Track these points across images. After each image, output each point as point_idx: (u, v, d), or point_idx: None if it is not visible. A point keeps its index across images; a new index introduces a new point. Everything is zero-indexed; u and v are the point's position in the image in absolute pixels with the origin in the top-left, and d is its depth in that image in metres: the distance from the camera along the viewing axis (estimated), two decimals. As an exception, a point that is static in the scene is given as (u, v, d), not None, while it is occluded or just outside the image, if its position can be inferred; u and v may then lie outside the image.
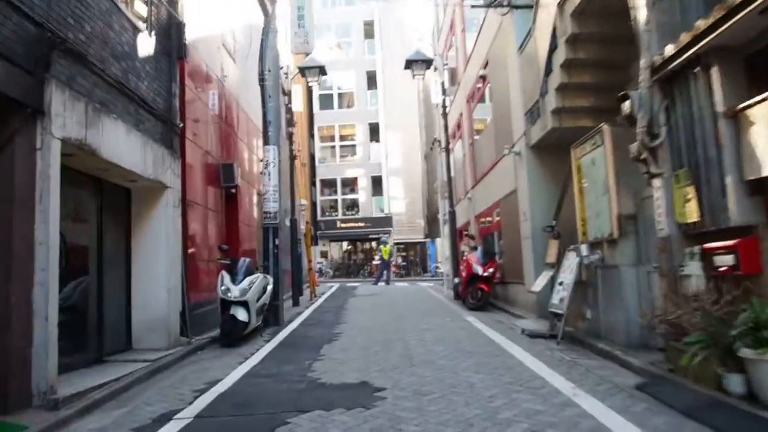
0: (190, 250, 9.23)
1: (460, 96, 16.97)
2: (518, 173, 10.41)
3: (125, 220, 8.00)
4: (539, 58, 8.86)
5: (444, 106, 15.26)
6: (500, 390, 4.93)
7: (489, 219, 13.84)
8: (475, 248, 12.36)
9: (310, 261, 16.37)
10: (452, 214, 14.38)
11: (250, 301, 8.67)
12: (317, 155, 38.40)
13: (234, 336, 8.41)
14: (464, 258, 13.01)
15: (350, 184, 38.51)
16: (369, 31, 39.06)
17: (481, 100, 14.42)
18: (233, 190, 11.97)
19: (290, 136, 15.02)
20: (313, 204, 37.67)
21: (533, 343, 7.31)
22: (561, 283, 7.44)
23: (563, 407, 4.34)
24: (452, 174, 15.44)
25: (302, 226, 33.04)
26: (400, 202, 39.31)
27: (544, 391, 4.85)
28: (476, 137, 15.11)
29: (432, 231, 40.68)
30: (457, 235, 14.74)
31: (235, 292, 8.53)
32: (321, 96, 39.10)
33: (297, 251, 16.70)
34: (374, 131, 38.29)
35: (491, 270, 11.60)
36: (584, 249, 6.97)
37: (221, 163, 11.16)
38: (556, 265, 8.05)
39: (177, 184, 8.48)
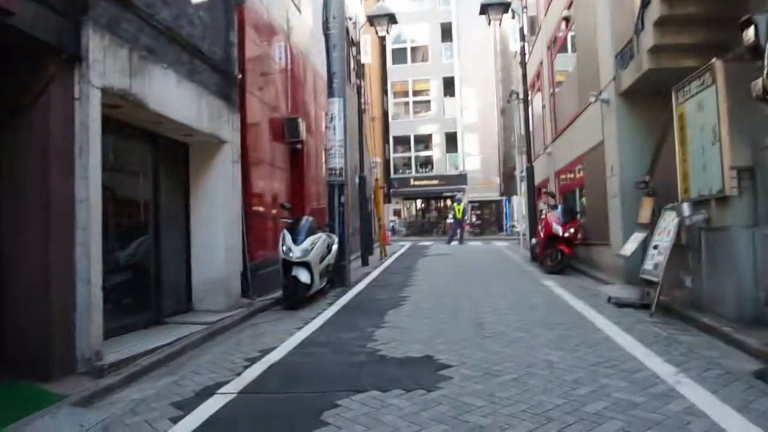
0: (253, 208, 8.90)
1: (540, 43, 15.71)
2: (606, 123, 9.35)
3: (183, 177, 7.69)
4: (634, -11, 7.74)
5: (523, 54, 14.12)
6: (585, 373, 4.22)
7: (571, 175, 12.79)
8: (555, 206, 11.42)
9: (380, 219, 15.89)
10: (530, 170, 13.41)
11: (313, 262, 8.25)
12: (390, 111, 37.65)
13: (296, 298, 8.05)
14: (543, 217, 12.11)
15: (424, 140, 37.65)
16: (444, -20, 37.40)
17: (563, 47, 13.21)
18: (299, 146, 11.53)
19: (359, 89, 14.37)
20: (387, 161, 37.13)
21: (622, 314, 6.49)
22: (656, 247, 6.52)
23: (665, 399, 3.59)
24: (530, 128, 14.37)
25: (373, 184, 32.76)
26: (475, 159, 38.15)
27: (639, 376, 4.10)
28: (557, 88, 13.92)
29: (508, 189, 39.33)
30: (535, 193, 13.79)
31: (296, 252, 8.12)
32: (394, 50, 38.08)
33: (366, 209, 16.24)
34: (449, 86, 37.06)
35: (572, 230, 10.68)
36: (686, 208, 6.00)
37: (285, 117, 10.72)
38: (650, 227, 7.10)
39: (236, 139, 8.07)
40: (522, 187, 17.68)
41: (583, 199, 12.18)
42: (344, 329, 6.33)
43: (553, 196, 12.01)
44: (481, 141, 38.38)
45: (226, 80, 7.95)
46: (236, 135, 8.09)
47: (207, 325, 6.58)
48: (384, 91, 37.65)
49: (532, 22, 16.73)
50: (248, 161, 8.75)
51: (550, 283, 9.37)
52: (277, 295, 8.56)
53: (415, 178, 36.87)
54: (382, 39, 37.87)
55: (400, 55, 38.09)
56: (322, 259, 8.85)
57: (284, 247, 8.22)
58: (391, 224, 35.73)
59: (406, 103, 38.00)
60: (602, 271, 9.85)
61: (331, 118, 10.39)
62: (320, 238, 8.61)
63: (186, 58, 6.83)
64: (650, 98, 8.16)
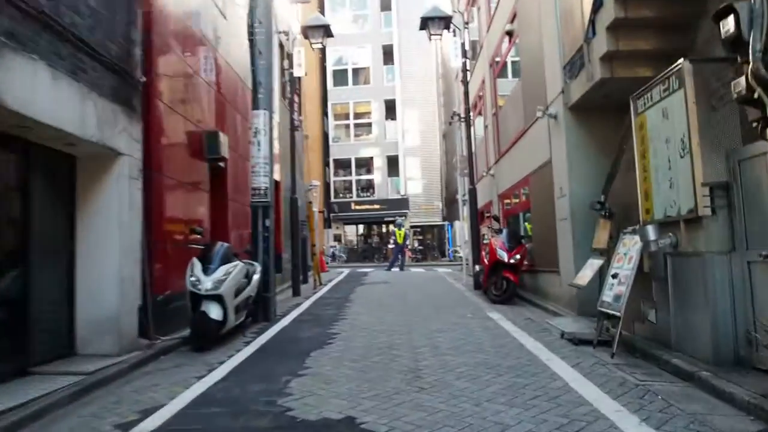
0: (161, 232, 7.70)
1: (483, 61, 15.17)
2: (554, 140, 8.67)
3: (68, 196, 6.45)
4: (583, -6, 7.11)
5: (464, 71, 13.48)
6: (548, 442, 3.29)
7: (515, 198, 12.11)
8: (499, 231, 10.66)
9: (314, 245, 14.81)
10: (472, 193, 12.67)
11: (226, 295, 7.09)
12: (331, 134, 36.81)
13: (205, 339, 6.87)
14: (486, 242, 11.34)
15: (365, 164, 36.83)
16: (385, 3, 37.05)
17: (505, 66, 12.65)
18: (221, 165, 10.39)
19: (291, 103, 13.36)
20: (327, 185, 36.14)
21: (579, 354, 5.64)
22: (615, 276, 5.73)
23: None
24: (473, 150, 13.68)
25: (315, 207, 31.59)
26: (417, 183, 37.59)
27: (616, 448, 3.20)
28: (500, 107, 13.31)
29: (450, 214, 38.93)
30: (477, 217, 13.03)
31: (206, 284, 6.96)
32: (335, 72, 37.41)
33: (299, 235, 15.13)
34: (390, 109, 36.50)
35: (518, 256, 9.91)
36: (651, 231, 5.22)
37: (204, 132, 9.58)
38: (607, 252, 6.34)
39: (136, 152, 6.89)
40: (464, 211, 16.98)
41: (527, 223, 11.51)
42: (254, 379, 5.21)
43: (497, 219, 11.27)
44: (423, 165, 37.90)
45: (126, 83, 6.78)
46: (136, 147, 6.91)
47: (84, 375, 5.34)
48: (324, 113, 36.80)
49: (474, 45, 16.24)
50: (155, 178, 7.57)
51: (496, 315, 8.52)
52: (187, 333, 7.35)
53: (356, 202, 35.92)
54: (322, 60, 37.20)
55: (341, 77, 37.40)
56: (240, 291, 7.72)
57: (192, 278, 7.05)
58: (332, 250, 34.56)
59: (347, 126, 37.19)
60: (552, 301, 9.08)
61: (255, 132, 9.33)
62: (236, 266, 7.47)
63: (67, 52, 5.66)
64: (602, 111, 7.51)
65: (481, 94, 16.00)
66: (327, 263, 33.79)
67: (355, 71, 37.68)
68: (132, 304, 6.66)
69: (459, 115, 18.39)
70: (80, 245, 6.46)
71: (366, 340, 6.85)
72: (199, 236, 7.57)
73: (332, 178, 36.58)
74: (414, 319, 8.36)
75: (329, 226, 36.04)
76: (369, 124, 37.11)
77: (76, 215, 6.49)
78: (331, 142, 36.71)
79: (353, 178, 36.65)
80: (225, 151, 10.03)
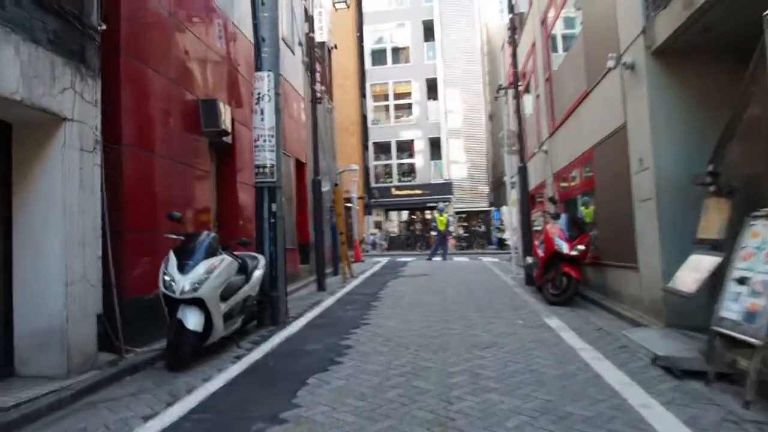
0: (135, 221, 6.24)
1: (532, 22, 13.20)
2: (629, 99, 6.79)
3: (1, 174, 5.04)
4: None
5: (512, 28, 11.58)
6: None
7: (574, 176, 10.21)
8: (556, 216, 8.82)
9: (342, 233, 13.23)
10: (523, 171, 10.82)
11: (208, 299, 5.56)
12: (369, 116, 35.18)
13: (179, 354, 5.35)
14: (540, 230, 9.55)
15: (406, 147, 35.06)
16: (426, -25, 35.03)
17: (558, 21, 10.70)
18: (227, 140, 8.88)
19: (312, 71, 11.75)
20: (366, 169, 34.61)
21: (688, 395, 3.86)
22: (743, 281, 3.90)
23: None
24: (522, 122, 11.80)
25: (354, 193, 30.04)
26: (462, 167, 35.67)
27: None
28: (555, 68, 11.37)
29: (497, 198, 36.84)
30: (528, 200, 11.18)
31: (182, 284, 5.43)
32: (373, 51, 35.72)
33: (323, 221, 13.58)
34: (432, 88, 34.54)
35: (581, 247, 8.09)
36: (810, 215, 3.40)
37: (200, 99, 8.08)
38: (721, 245, 4.50)
39: (90, 118, 5.39)
40: (513, 194, 15.12)
41: (584, 207, 9.62)
42: (218, 425, 3.65)
43: (554, 202, 9.38)
44: (468, 147, 35.92)
45: (73, 29, 5.27)
46: (91, 112, 5.41)
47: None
48: (362, 95, 35.19)
49: (520, 18, 14.34)
50: (127, 154, 6.11)
51: (556, 322, 6.75)
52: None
53: (397, 188, 34.24)
54: (360, 39, 35.50)
55: (379, 57, 35.66)
56: (233, 291, 6.20)
57: (166, 277, 5.53)
58: (372, 238, 33.06)
59: (387, 107, 35.46)
60: (626, 304, 7.24)
61: (258, 98, 7.77)
62: (223, 261, 5.91)
63: (-28, -22, 4.19)
64: (701, 54, 5.62)
65: (530, 64, 14.05)
66: (367, 251, 32.35)
67: (395, 50, 35.85)
68: (86, 310, 5.19)
69: (505, 88, 16.63)
70: (17, 237, 5.03)
71: (385, 360, 5.21)
72: (176, 223, 6.03)
73: (372, 163, 34.99)
74: (451, 327, 6.67)
75: (369, 213, 34.54)
76: (410, 105, 35.26)
77: (13, 199, 5.06)
78: (370, 125, 35.10)
79: (394, 162, 34.95)
80: (227, 123, 8.52)
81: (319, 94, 11.80)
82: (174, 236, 5.91)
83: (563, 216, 8.59)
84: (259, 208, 7.78)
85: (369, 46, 35.47)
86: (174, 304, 5.48)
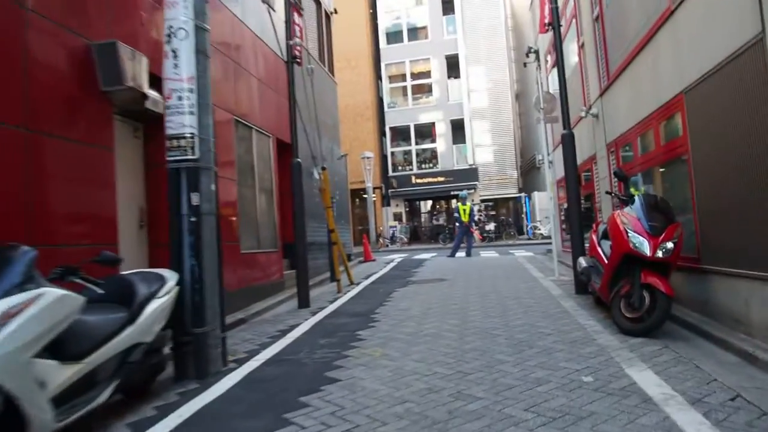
0: None
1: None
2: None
3: None
4: None
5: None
6: None
7: (646, 142, 7.31)
8: (627, 200, 5.95)
9: (332, 231, 10.50)
10: (569, 138, 7.92)
11: (7, 372, 2.92)
12: (386, 99, 32.46)
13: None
14: (608, 220, 6.76)
15: (426, 131, 32.18)
16: (442, -59, 32.01)
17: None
18: (152, 106, 6.23)
19: (288, 20, 9.00)
20: (383, 157, 31.92)
21: None
22: None
23: None
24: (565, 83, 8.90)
25: (369, 182, 27.26)
26: (488, 151, 32.65)
27: None
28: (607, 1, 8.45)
29: (527, 184, 33.75)
30: (577, 176, 8.26)
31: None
32: (388, 31, 32.93)
33: (308, 216, 10.89)
34: (453, 66, 31.60)
35: (670, 246, 5.23)
36: None
37: (94, 44, 5.47)
38: None
39: None
40: (549, 176, 12.24)
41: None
42: None
43: (623, 178, 6.40)
44: (494, 129, 32.84)
45: None
46: None
47: None
48: (378, 77, 32.43)
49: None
50: None
51: (651, 379, 3.92)
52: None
53: (418, 176, 31.43)
54: (373, 15, 32.64)
55: (395, 36, 32.81)
56: (90, 344, 3.56)
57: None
58: (391, 231, 30.35)
59: (404, 89, 32.59)
60: (757, 337, 4.40)
61: (169, 33, 5.09)
62: (36, 301, 3.21)
63: None
64: None
65: (569, 7, 11.15)
66: (386, 246, 29.63)
67: (411, 29, 32.91)
68: None
69: (536, 53, 13.79)
70: None
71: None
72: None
73: (389, 149, 32.28)
74: (471, 392, 3.91)
75: (388, 204, 31.85)
76: (429, 86, 32.35)
77: None
78: (386, 108, 32.40)
79: (413, 147, 32.13)
80: (142, 79, 5.88)
81: (297, 52, 9.07)
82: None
83: (638, 198, 5.72)
84: (174, 201, 5.11)
85: (384, 25, 32.68)
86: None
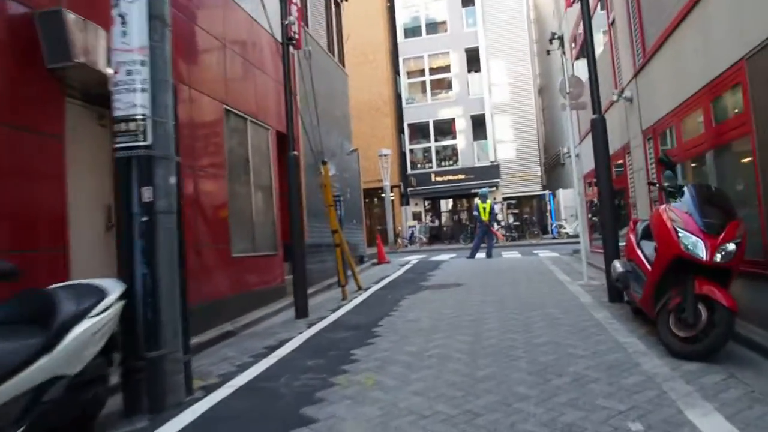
0: None
1: None
2: None
3: None
4: None
5: None
6: None
7: (693, 125, 6.27)
8: (675, 192, 4.92)
9: (335, 231, 9.58)
10: (601, 123, 6.88)
11: None
12: (404, 95, 31.52)
13: None
14: (651, 217, 5.75)
15: (446, 127, 31.14)
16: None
17: None
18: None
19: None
20: (402, 154, 30.99)
21: None
22: None
23: None
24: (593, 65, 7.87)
25: (387, 181, 26.32)
26: (510, 147, 31.55)
27: None
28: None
29: (551, 181, 32.54)
30: (609, 165, 7.21)
31: None
32: (406, 27, 32.00)
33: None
34: (473, 60, 30.52)
35: (732, 247, 4.22)
36: None
37: (36, 11, 4.65)
38: None
39: None
40: (576, 170, 11.19)
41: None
42: None
43: (670, 165, 5.31)
44: (516, 125, 31.72)
45: None
46: None
47: None
48: (396, 72, 31.50)
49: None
50: None
51: (722, 426, 2.96)
52: None
53: (437, 174, 30.41)
54: (391, 9, 31.70)
55: (413, 30, 31.85)
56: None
57: None
58: (410, 230, 29.39)
59: (423, 84, 31.58)
60: None
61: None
62: None
63: None
64: None
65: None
66: (406, 246, 28.68)
67: (430, 23, 31.90)
68: None
69: (560, 38, 12.88)
70: None
71: None
72: None
73: (408, 147, 31.32)
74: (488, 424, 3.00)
75: (407, 203, 30.89)
76: (448, 81, 31.31)
77: None
78: (404, 104, 31.46)
79: (432, 144, 31.12)
80: (96, 55, 5.02)
81: (293, 33, 8.18)
82: None
83: (688, 189, 4.71)
84: (124, 197, 4.25)
85: (402, 20, 31.74)
86: None
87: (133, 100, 4.19)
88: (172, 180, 4.41)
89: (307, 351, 5.58)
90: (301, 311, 7.71)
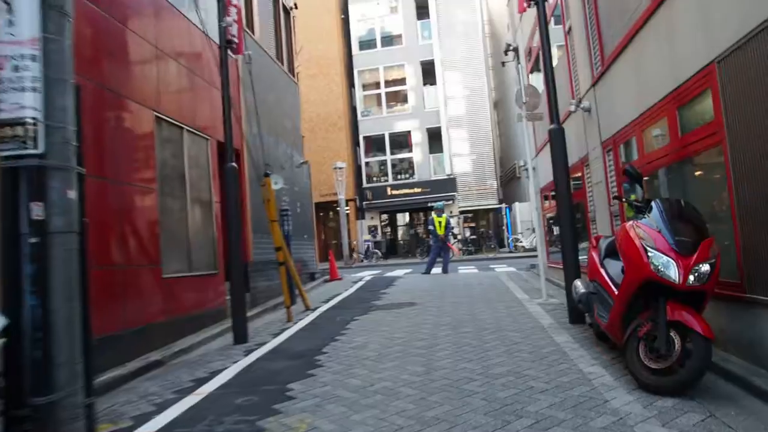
0: None
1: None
2: None
3: None
4: None
5: None
6: None
7: (657, 135, 5.93)
8: (643, 207, 4.50)
9: (278, 248, 8.96)
10: (559, 134, 6.50)
11: None
12: (359, 107, 31.10)
13: None
14: (618, 234, 5.37)
15: (402, 140, 30.80)
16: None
17: None
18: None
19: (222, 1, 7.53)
20: (357, 168, 30.51)
21: None
22: None
23: None
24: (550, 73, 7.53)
25: (342, 194, 25.75)
26: (466, 160, 31.41)
27: None
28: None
29: (508, 194, 32.52)
30: (568, 174, 6.82)
31: None
32: (361, 39, 31.65)
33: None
34: (428, 72, 30.34)
35: (706, 268, 3.83)
36: None
37: None
38: None
39: None
40: (532, 183, 10.88)
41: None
42: None
43: (636, 177, 4.89)
44: (472, 138, 31.62)
45: None
46: None
47: None
48: (351, 84, 31.09)
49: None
50: None
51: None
52: None
53: (393, 187, 29.98)
54: (345, 21, 31.33)
55: (368, 42, 31.52)
56: None
57: None
58: (366, 245, 28.84)
59: (378, 96, 31.22)
60: None
61: (2, -24, 3.60)
62: None
63: None
64: None
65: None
66: (361, 261, 28.11)
67: (385, 36, 31.63)
68: None
69: (515, 50, 12.79)
70: None
71: None
72: None
73: (363, 160, 30.87)
74: None
75: (363, 217, 30.37)
76: (404, 93, 31.04)
77: None
78: (360, 117, 31.03)
79: (388, 157, 30.74)
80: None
81: (232, 36, 7.59)
82: None
83: (656, 204, 4.31)
84: (9, 215, 3.59)
85: (358, 33, 31.39)
86: None
87: (20, 101, 3.53)
88: (72, 194, 3.76)
89: (238, 385, 4.95)
90: (240, 336, 7.05)
